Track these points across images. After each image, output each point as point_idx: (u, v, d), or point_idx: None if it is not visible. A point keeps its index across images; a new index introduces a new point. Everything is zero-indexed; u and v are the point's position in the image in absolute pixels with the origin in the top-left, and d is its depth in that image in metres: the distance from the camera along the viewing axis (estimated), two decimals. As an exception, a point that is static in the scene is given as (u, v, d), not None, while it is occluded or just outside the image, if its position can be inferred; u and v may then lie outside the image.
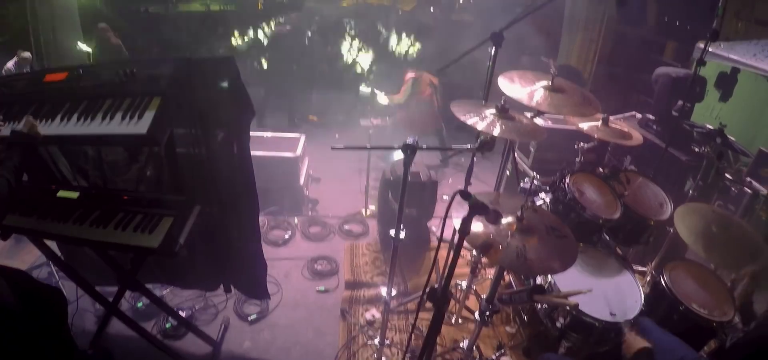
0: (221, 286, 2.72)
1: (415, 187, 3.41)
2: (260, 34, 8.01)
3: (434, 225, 3.91)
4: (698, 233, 2.25)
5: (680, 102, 4.08)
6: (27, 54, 5.16)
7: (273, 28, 7.10)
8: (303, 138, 4.53)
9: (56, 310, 2.00)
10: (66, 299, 2.07)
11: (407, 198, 2.03)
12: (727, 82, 5.20)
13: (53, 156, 2.25)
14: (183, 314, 2.74)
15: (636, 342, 1.74)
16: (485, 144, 2.13)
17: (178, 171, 2.04)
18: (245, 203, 2.32)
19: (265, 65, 7.46)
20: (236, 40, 8.86)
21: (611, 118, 2.93)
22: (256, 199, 2.33)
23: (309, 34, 8.22)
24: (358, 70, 8.75)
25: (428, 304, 1.46)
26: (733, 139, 2.97)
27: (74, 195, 1.96)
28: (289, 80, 6.40)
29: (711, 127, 3.11)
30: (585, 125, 2.85)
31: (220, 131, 2.11)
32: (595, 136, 2.83)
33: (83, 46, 6.13)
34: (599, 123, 2.89)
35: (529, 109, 2.28)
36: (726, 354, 1.55)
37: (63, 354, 2.09)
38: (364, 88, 6.99)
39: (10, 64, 4.96)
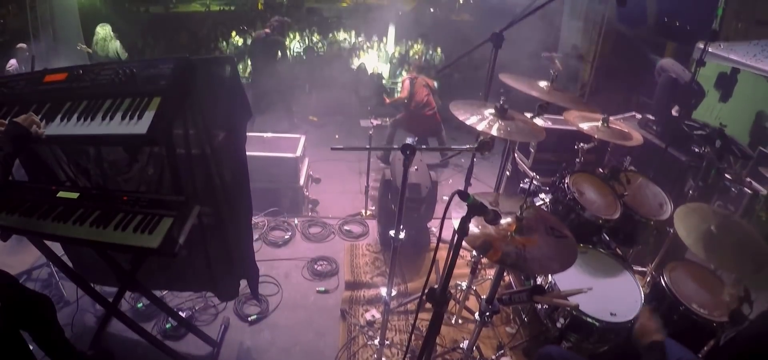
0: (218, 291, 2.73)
1: (414, 201, 3.41)
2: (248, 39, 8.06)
3: (434, 225, 3.91)
4: (698, 234, 2.25)
5: (677, 106, 4.10)
6: (22, 45, 5.25)
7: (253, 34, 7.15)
8: (303, 138, 4.53)
9: (44, 317, 2.00)
10: (54, 305, 2.08)
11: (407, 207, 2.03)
12: (727, 82, 5.20)
13: (55, 155, 2.25)
14: (183, 315, 2.73)
15: (649, 330, 1.66)
16: (485, 144, 2.13)
17: (178, 171, 2.04)
18: (241, 205, 2.32)
19: (247, 69, 7.51)
20: (220, 43, 8.92)
21: (611, 118, 2.93)
22: (250, 201, 2.33)
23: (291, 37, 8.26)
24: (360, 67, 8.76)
25: (428, 305, 1.46)
26: (733, 137, 2.97)
27: (74, 195, 1.96)
28: (271, 85, 6.42)
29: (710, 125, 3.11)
30: (585, 125, 2.86)
31: (220, 132, 2.12)
32: (595, 136, 2.83)
33: (83, 47, 6.14)
34: (599, 123, 2.89)
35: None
36: (721, 352, 1.53)
37: (60, 356, 2.09)
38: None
39: (13, 61, 5.02)
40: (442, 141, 5.85)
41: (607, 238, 2.77)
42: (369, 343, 2.74)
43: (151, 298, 2.47)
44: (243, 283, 2.75)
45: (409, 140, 1.80)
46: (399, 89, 7.17)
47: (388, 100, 6.12)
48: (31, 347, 1.95)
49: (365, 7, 10.38)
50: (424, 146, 5.74)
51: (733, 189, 3.22)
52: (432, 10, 10.23)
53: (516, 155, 4.22)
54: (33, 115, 1.68)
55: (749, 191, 3.19)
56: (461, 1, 10.85)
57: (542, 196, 3.10)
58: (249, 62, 7.56)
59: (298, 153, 4.24)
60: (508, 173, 2.96)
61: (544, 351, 1.99)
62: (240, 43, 9.09)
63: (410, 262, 3.44)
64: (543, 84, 2.76)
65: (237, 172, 2.22)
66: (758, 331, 1.40)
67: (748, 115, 5.27)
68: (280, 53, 6.58)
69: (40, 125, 1.69)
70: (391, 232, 2.08)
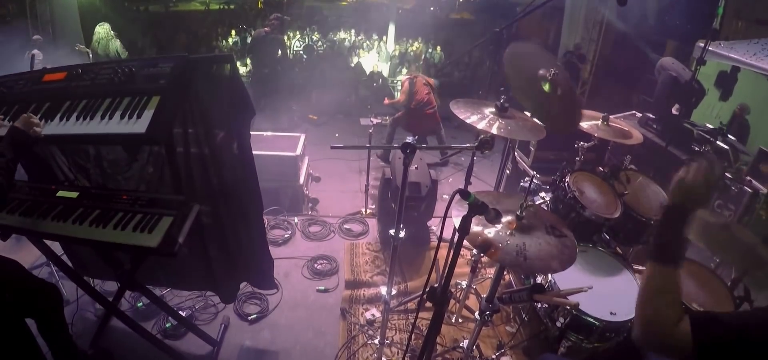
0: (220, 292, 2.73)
1: (414, 200, 3.41)
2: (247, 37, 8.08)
3: (434, 224, 3.90)
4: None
5: (677, 104, 4.10)
6: (37, 36, 5.37)
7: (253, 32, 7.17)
8: (303, 137, 4.52)
9: (50, 305, 2.01)
10: (61, 295, 2.08)
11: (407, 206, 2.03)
12: (727, 81, 5.21)
13: (54, 155, 2.25)
14: (183, 314, 2.73)
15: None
16: (485, 143, 2.12)
17: (178, 170, 2.04)
18: (249, 201, 2.31)
19: (245, 68, 7.52)
20: (219, 42, 8.91)
21: (611, 117, 2.93)
22: (260, 196, 2.33)
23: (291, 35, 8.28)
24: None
25: (428, 304, 1.46)
26: (733, 138, 2.97)
27: (74, 194, 1.96)
28: (271, 83, 6.42)
29: (711, 126, 3.11)
30: (585, 124, 2.85)
31: (220, 130, 2.11)
32: (595, 135, 2.83)
33: (81, 47, 6.14)
34: (599, 122, 2.89)
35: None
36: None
37: (62, 352, 2.09)
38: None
39: (36, 51, 5.11)
40: (441, 139, 5.85)
41: (608, 237, 2.77)
42: (369, 342, 2.74)
43: (151, 298, 2.46)
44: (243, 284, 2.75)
45: (409, 139, 1.80)
46: (399, 89, 7.16)
47: (387, 101, 6.12)
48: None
49: (365, 5, 10.36)
50: (424, 145, 5.74)
51: (733, 188, 3.23)
52: (432, 8, 10.22)
53: (516, 154, 4.22)
54: (31, 116, 1.69)
55: (749, 190, 3.19)
56: (461, 0, 10.84)
57: (542, 194, 3.10)
58: (248, 61, 7.57)
59: (298, 151, 4.23)
60: (508, 172, 2.95)
61: (541, 359, 2.00)
62: (234, 42, 9.07)
63: (410, 261, 3.44)
64: (542, 72, 2.77)
65: (239, 171, 2.21)
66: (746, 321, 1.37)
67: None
68: (280, 52, 6.58)
69: (39, 125, 1.69)
70: (391, 231, 2.07)
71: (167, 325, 2.70)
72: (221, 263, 2.49)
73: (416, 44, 9.65)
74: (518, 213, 1.80)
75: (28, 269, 2.75)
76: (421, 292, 2.78)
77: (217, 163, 2.14)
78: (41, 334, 2.03)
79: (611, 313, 2.18)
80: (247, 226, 2.41)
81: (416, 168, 3.58)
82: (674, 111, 4.15)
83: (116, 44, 6.08)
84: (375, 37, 9.92)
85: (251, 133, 2.18)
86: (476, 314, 2.14)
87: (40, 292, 1.99)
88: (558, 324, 2.29)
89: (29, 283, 1.96)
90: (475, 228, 1.75)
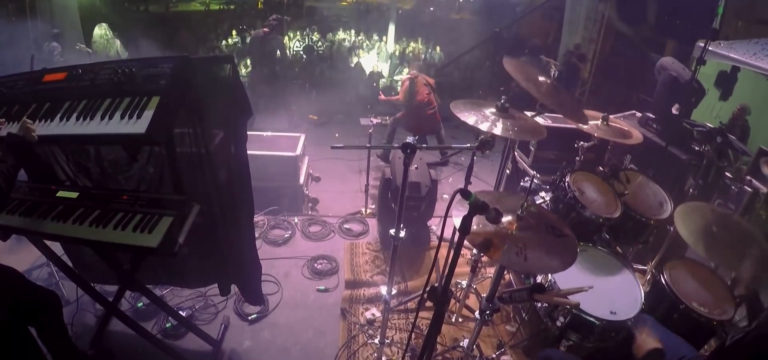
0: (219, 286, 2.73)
1: (415, 199, 3.41)
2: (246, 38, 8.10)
3: (434, 224, 3.90)
4: (698, 232, 2.25)
5: (677, 104, 4.10)
6: (56, 30, 5.47)
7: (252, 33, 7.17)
8: (303, 137, 4.53)
9: (50, 312, 2.01)
10: (60, 301, 2.08)
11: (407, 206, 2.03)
12: (727, 80, 5.20)
13: (54, 155, 2.24)
14: (183, 314, 2.73)
15: (647, 342, 1.73)
16: (485, 143, 2.13)
17: (177, 170, 2.04)
18: (241, 205, 2.31)
19: (245, 69, 7.54)
20: (219, 42, 8.92)
21: (611, 117, 2.93)
22: (252, 201, 2.32)
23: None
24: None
25: (429, 303, 1.46)
26: (733, 137, 2.97)
27: (74, 195, 1.95)
28: (271, 84, 6.43)
29: (711, 125, 3.11)
30: (585, 124, 2.85)
31: (219, 131, 2.11)
32: (595, 135, 2.83)
33: (82, 47, 6.14)
34: (599, 122, 2.89)
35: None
36: (726, 353, 1.52)
37: (62, 357, 2.09)
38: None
39: (55, 44, 5.15)
40: (442, 139, 5.85)
41: (608, 237, 2.76)
42: (369, 341, 2.74)
43: (151, 298, 2.46)
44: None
45: (409, 139, 1.80)
46: (399, 88, 7.17)
47: (383, 97, 6.10)
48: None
49: (365, 6, 10.36)
50: (424, 145, 5.74)
51: (733, 187, 3.23)
52: (432, 8, 10.22)
53: (516, 154, 4.22)
54: (28, 121, 1.70)
55: (749, 189, 3.19)
56: (461, 0, 10.84)
57: (543, 194, 3.10)
58: (248, 61, 7.57)
59: (298, 152, 4.23)
60: (508, 172, 2.95)
61: (543, 355, 1.99)
62: (234, 42, 9.06)
63: (410, 261, 3.44)
64: (542, 79, 2.75)
65: (234, 172, 2.21)
66: (765, 331, 1.39)
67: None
68: (279, 52, 6.58)
69: (35, 130, 1.70)
70: (392, 231, 2.07)
71: (167, 325, 2.70)
72: (216, 261, 2.49)
73: (413, 44, 9.64)
74: (519, 213, 1.80)
75: (27, 271, 2.76)
76: (421, 292, 2.78)
77: (212, 164, 2.14)
78: (41, 340, 2.03)
79: (611, 313, 2.18)
80: (238, 227, 2.41)
81: (416, 168, 3.58)
82: (674, 111, 4.15)
83: (116, 44, 6.08)
84: (375, 37, 9.91)
85: (251, 133, 2.18)
86: (476, 314, 2.14)
87: (40, 300, 1.98)
88: (558, 323, 2.29)
89: (28, 290, 1.96)
90: (475, 228, 1.75)
